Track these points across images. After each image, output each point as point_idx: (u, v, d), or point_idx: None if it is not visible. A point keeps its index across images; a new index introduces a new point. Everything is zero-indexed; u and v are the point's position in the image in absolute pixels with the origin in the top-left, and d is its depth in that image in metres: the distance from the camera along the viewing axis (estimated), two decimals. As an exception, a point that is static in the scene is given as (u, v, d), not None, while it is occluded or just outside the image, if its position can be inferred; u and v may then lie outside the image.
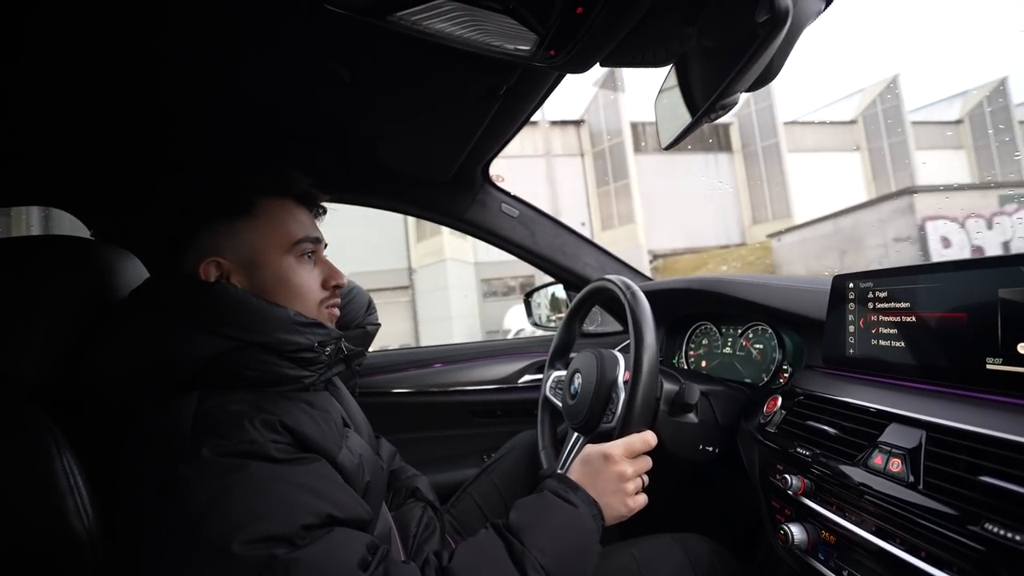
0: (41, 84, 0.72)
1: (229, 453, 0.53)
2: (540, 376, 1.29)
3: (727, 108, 0.53)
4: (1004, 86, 15.08)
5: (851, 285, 0.76)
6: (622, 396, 0.83)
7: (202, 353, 0.60)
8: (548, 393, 1.09)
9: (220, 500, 0.50)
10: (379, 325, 1.12)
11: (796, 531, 0.66)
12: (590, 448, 0.75)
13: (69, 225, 1.09)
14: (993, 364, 0.56)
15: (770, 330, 1.03)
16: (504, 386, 1.44)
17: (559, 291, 1.57)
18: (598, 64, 0.67)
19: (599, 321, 1.56)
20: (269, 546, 0.48)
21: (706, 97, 0.53)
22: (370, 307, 1.10)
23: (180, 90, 0.79)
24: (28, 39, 0.62)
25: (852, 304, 0.76)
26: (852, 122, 16.35)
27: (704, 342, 1.22)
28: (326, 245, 0.78)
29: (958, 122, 16.15)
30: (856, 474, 0.60)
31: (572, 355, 1.06)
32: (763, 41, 0.42)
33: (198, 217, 0.69)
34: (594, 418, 0.87)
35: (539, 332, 1.71)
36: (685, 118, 0.60)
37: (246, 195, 0.70)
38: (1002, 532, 0.44)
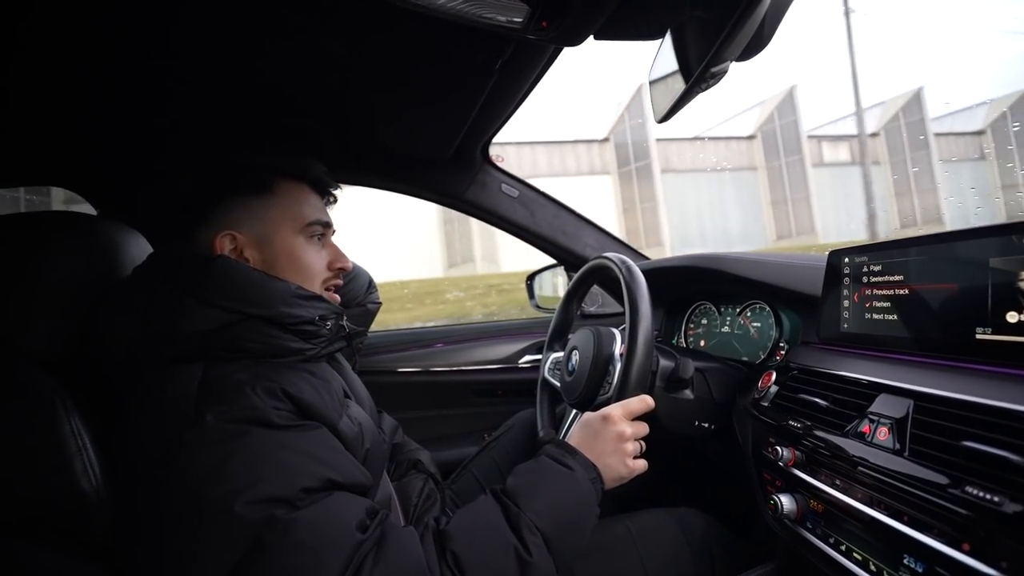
0: (47, 64, 0.73)
1: (232, 419, 0.54)
2: (540, 356, 1.31)
3: (717, 78, 0.53)
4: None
5: (846, 260, 0.76)
6: (618, 368, 0.84)
7: (205, 325, 0.62)
8: (547, 374, 1.11)
9: (223, 464, 0.52)
10: (380, 304, 1.14)
11: (786, 501, 0.67)
12: (589, 412, 0.76)
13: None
14: (982, 334, 0.56)
15: (768, 308, 1.03)
16: (505, 366, 1.46)
17: (560, 273, 1.58)
18: (592, 38, 0.67)
19: (600, 302, 1.57)
20: (269, 507, 0.50)
21: (696, 67, 0.53)
22: (371, 286, 1.12)
23: (179, 72, 0.80)
24: (36, 19, 0.63)
25: (847, 279, 0.76)
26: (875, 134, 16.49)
27: (703, 322, 1.23)
28: (335, 231, 0.81)
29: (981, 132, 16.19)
30: (844, 444, 0.61)
31: (571, 335, 1.07)
32: (746, 8, 0.42)
33: (217, 191, 0.72)
34: (591, 391, 0.88)
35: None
36: (677, 91, 0.60)
37: (266, 174, 0.74)
38: (982, 494, 0.45)
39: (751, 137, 16.19)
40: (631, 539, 0.81)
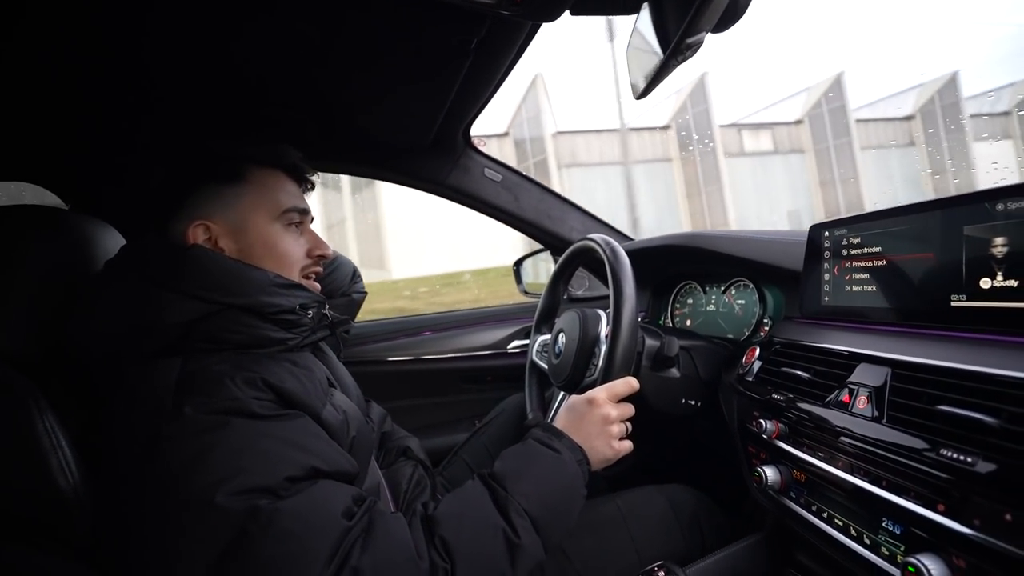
0: (10, 57, 0.70)
1: (211, 410, 0.53)
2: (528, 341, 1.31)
3: (693, 49, 0.52)
4: (956, 80, 14.82)
5: (826, 234, 0.77)
6: (603, 350, 0.84)
7: (183, 316, 0.60)
8: (534, 357, 1.11)
9: (203, 455, 0.51)
10: (365, 294, 1.13)
11: (770, 473, 0.68)
12: (574, 396, 0.77)
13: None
14: (957, 301, 0.56)
15: (752, 285, 1.04)
16: (493, 352, 1.46)
17: (547, 258, 1.57)
18: (568, 13, 0.66)
19: (587, 286, 1.57)
20: (253, 497, 0.49)
21: (672, 39, 0.52)
22: (355, 276, 1.11)
23: (150, 63, 0.77)
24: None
25: (827, 253, 0.76)
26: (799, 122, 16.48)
27: (689, 301, 1.23)
28: (313, 218, 0.80)
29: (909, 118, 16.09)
30: (825, 414, 0.62)
31: (557, 318, 1.07)
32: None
33: (189, 181, 0.71)
34: (578, 373, 0.88)
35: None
36: (655, 65, 0.59)
37: (238, 162, 0.72)
38: (956, 456, 0.46)
39: (666, 127, 15.90)
40: (621, 517, 0.82)
